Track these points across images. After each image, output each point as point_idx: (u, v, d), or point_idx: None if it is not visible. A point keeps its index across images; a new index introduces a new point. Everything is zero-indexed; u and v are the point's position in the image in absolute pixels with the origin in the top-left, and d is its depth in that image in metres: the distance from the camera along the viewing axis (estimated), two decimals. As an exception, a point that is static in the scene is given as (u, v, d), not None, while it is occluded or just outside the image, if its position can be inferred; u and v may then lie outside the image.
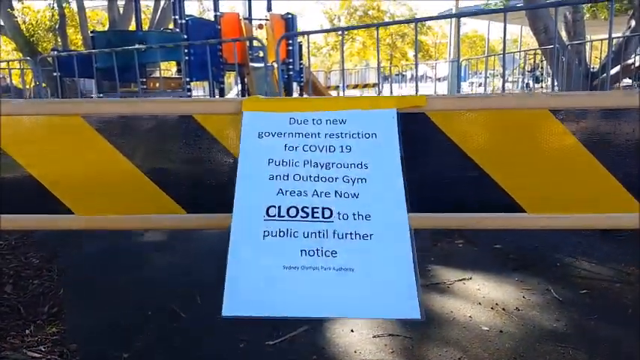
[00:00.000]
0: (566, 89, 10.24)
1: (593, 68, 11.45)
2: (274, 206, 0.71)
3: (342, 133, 0.75)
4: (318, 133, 0.75)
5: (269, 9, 8.63)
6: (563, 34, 10.84)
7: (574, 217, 0.76)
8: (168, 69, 12.72)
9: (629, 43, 10.07)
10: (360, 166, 0.73)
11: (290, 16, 8.01)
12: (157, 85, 6.40)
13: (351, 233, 0.70)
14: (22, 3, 12.86)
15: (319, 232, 0.70)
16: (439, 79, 25.37)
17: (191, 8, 20.50)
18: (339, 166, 0.73)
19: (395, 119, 0.75)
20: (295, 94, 9.53)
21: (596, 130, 0.75)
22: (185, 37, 6.59)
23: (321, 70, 21.21)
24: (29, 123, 0.76)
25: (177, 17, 6.86)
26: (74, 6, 11.21)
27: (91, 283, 2.35)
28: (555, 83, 11.51)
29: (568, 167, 0.76)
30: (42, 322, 2.03)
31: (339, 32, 22.24)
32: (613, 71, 10.29)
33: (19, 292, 2.27)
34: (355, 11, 21.18)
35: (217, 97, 8.24)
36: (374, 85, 16.82)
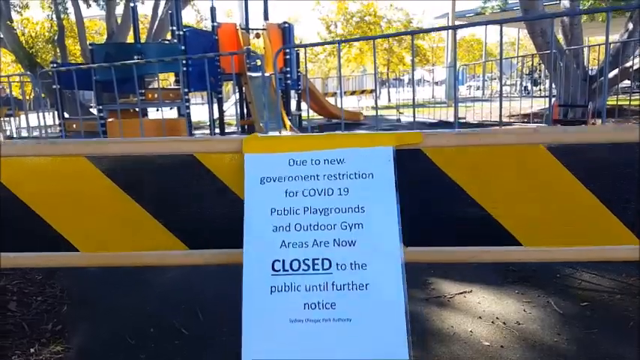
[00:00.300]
0: (564, 93, 10.33)
1: (591, 70, 11.51)
2: (279, 260, 0.77)
3: (339, 174, 0.78)
4: (317, 175, 0.78)
5: (266, 18, 8.70)
6: (561, 37, 10.93)
7: (569, 249, 0.78)
8: (167, 78, 12.76)
9: (626, 46, 10.14)
10: (357, 209, 0.77)
11: (287, 25, 8.08)
12: (156, 96, 6.44)
13: (348, 284, 0.76)
14: (22, 15, 12.93)
15: (319, 285, 0.76)
16: (437, 83, 25.49)
17: (189, 16, 20.56)
18: (337, 211, 0.78)
19: (391, 158, 0.77)
20: (293, 101, 9.59)
21: (591, 164, 0.77)
22: (183, 47, 6.64)
23: (318, 77, 21.30)
24: (35, 164, 0.78)
25: (174, 28, 6.91)
26: (73, 17, 11.27)
27: (94, 299, 2.35)
28: (553, 86, 11.56)
29: (563, 201, 0.77)
30: (46, 341, 2.03)
31: (337, 41, 22.26)
32: (611, 74, 10.40)
33: (22, 310, 2.28)
34: (352, 17, 21.28)
35: (216, 105, 8.27)
36: (371, 92, 17.02)
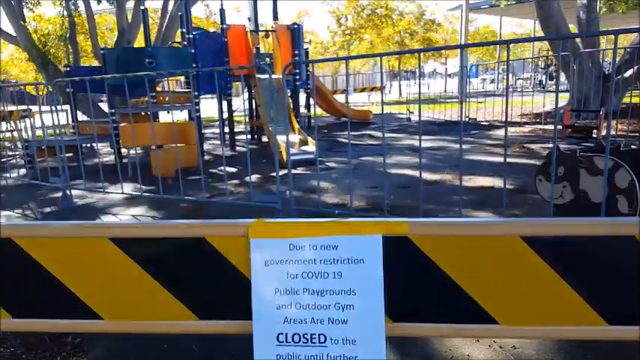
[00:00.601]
0: (577, 91, 10.17)
1: (608, 65, 11.23)
2: (282, 333, 0.92)
3: (334, 259, 0.89)
4: (314, 260, 0.88)
5: (275, 18, 8.72)
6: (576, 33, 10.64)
7: (541, 329, 0.86)
8: (177, 78, 12.84)
9: (643, 47, 9.85)
10: (349, 292, 0.89)
11: (296, 26, 8.09)
12: (167, 99, 6.56)
13: (340, 356, 0.90)
14: (34, 12, 13.06)
15: (316, 355, 0.90)
16: (449, 75, 25.14)
17: (198, 10, 20.53)
18: (331, 293, 0.90)
19: (380, 245, 0.87)
20: (302, 96, 9.65)
21: (563, 254, 0.85)
22: (193, 51, 6.72)
23: (328, 74, 21.17)
24: (66, 244, 0.88)
25: (184, 30, 6.99)
26: (84, 13, 11.37)
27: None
28: (563, 80, 11.23)
29: (536, 286, 0.85)
30: (67, 354, 2.18)
31: (347, 35, 21.93)
32: (627, 74, 10.15)
33: (43, 322, 2.42)
34: (362, 10, 21.03)
35: (226, 107, 8.37)
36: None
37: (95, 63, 15.23)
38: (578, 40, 10.03)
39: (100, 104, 10.06)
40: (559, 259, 0.84)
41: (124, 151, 6.66)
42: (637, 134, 7.48)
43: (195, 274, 0.91)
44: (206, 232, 0.89)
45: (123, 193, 4.71)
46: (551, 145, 7.31)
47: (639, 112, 8.54)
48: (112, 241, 0.88)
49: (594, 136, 7.26)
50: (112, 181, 5.11)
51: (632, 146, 6.79)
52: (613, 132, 8.25)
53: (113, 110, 6.46)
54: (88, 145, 8.18)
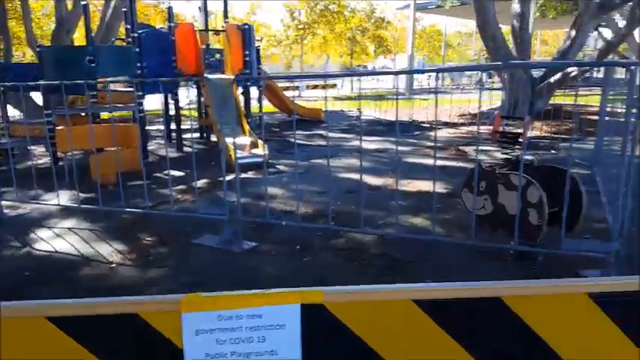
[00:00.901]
0: (509, 95, 11.05)
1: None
2: None
3: (258, 326, 1.01)
4: (241, 327, 1.01)
5: (226, 17, 8.56)
6: (510, 40, 11.55)
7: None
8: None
9: (569, 52, 10.94)
10: (271, 352, 1.02)
11: (247, 26, 8.01)
12: (108, 97, 6.25)
13: None
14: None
15: None
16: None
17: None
18: (256, 354, 1.02)
19: (298, 312, 1.02)
20: (255, 92, 9.59)
21: (453, 317, 1.03)
22: (138, 50, 6.45)
23: (281, 72, 21.07)
24: (5, 325, 0.93)
25: (129, 27, 6.67)
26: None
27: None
28: (498, 81, 12.06)
29: (431, 345, 1.04)
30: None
31: (300, 29, 21.85)
32: (553, 79, 11.20)
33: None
34: (316, 5, 21.03)
35: (174, 106, 8.13)
36: (334, 86, 17.40)
37: (29, 51, 13.94)
38: (511, 47, 10.89)
39: (34, 94, 9.29)
40: (443, 318, 1.03)
41: (60, 153, 6.28)
42: (558, 136, 8.33)
43: (131, 347, 0.99)
44: (139, 309, 0.98)
45: (59, 205, 4.45)
46: (483, 149, 7.86)
47: (560, 114, 9.52)
48: (48, 320, 0.94)
49: (521, 140, 7.98)
50: (48, 187, 4.77)
51: (553, 150, 7.57)
52: (539, 132, 9.19)
53: (49, 111, 6.07)
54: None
